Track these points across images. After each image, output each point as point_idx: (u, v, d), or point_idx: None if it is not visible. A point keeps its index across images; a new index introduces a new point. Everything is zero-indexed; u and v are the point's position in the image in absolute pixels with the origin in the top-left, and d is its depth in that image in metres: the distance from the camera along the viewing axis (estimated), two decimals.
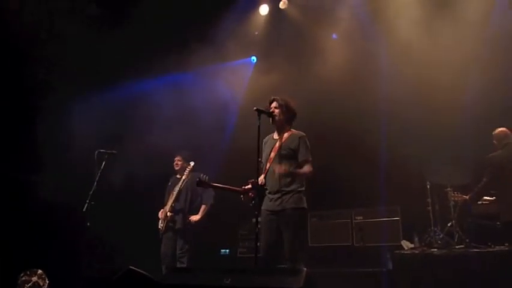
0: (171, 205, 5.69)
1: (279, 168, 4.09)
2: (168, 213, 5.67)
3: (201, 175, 4.40)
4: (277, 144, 4.26)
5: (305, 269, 3.05)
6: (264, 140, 4.40)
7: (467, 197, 5.67)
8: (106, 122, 6.64)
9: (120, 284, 3.34)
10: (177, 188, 5.76)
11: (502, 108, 5.64)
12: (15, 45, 5.64)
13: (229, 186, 4.33)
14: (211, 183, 4.37)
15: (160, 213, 5.77)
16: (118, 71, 6.89)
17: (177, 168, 5.96)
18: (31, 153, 6.06)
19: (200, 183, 4.32)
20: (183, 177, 5.73)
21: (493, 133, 5.20)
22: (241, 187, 4.25)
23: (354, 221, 6.79)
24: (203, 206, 5.81)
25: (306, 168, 4.17)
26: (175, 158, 6.00)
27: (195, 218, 5.73)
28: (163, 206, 5.82)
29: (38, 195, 6.21)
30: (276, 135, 4.35)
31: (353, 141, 6.80)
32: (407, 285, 5.30)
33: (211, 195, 5.83)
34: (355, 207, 6.84)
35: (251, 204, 4.19)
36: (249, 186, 4.19)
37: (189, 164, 5.74)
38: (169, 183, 5.98)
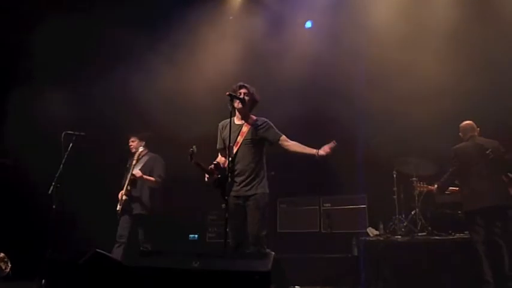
0: (127, 188, 5.52)
1: (328, 152, 4.08)
2: (124, 197, 5.52)
3: (193, 146, 4.16)
4: (244, 129, 4.29)
5: (273, 253, 3.09)
6: (222, 124, 4.39)
7: (433, 188, 5.84)
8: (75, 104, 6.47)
9: (87, 267, 3.30)
10: (136, 169, 5.60)
11: (468, 101, 5.80)
12: None
13: (202, 164, 4.24)
14: (196, 160, 4.22)
15: (119, 194, 5.61)
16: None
17: (132, 150, 5.79)
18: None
19: (191, 157, 4.15)
20: (133, 162, 5.59)
21: (460, 125, 5.35)
22: (207, 167, 4.25)
23: (322, 208, 6.90)
24: (152, 178, 5.63)
25: (293, 142, 4.24)
26: (129, 140, 5.84)
27: (139, 173, 5.53)
28: (121, 187, 5.64)
29: (2, 177, 6.05)
30: (238, 120, 4.35)
31: (323, 130, 6.87)
32: (371, 271, 5.46)
33: (162, 168, 5.70)
34: (324, 195, 6.94)
35: (215, 185, 4.20)
36: (212, 166, 4.22)
37: (142, 144, 5.69)
38: (127, 165, 5.76)
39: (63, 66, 6.59)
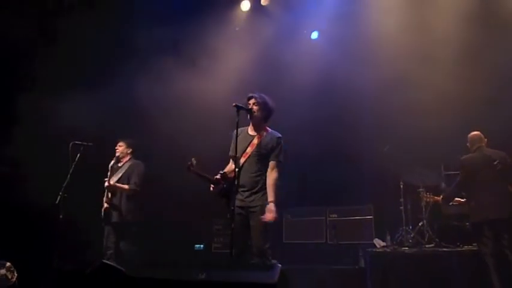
0: (108, 196, 5.50)
1: (269, 217, 4.03)
2: (105, 205, 5.50)
3: (192, 159, 4.20)
4: (255, 141, 4.26)
5: (279, 265, 3.06)
6: (238, 132, 4.30)
7: (439, 198, 5.81)
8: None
9: (93, 277, 3.29)
10: (114, 178, 5.59)
11: (477, 112, 5.79)
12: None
13: (205, 174, 4.26)
14: (195, 170, 4.24)
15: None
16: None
17: (117, 154, 5.75)
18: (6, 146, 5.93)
19: (189, 169, 4.18)
20: (109, 173, 5.56)
21: (468, 136, 5.33)
22: (213, 177, 4.24)
23: (328, 218, 6.86)
24: (125, 186, 5.59)
25: (274, 176, 4.16)
26: (118, 144, 5.80)
27: (107, 184, 5.49)
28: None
29: (9, 188, 6.07)
30: (251, 131, 4.34)
31: (329, 141, 6.88)
32: (378, 283, 5.41)
33: (138, 175, 5.65)
34: (330, 205, 6.91)
35: (220, 195, 4.20)
36: (218, 176, 4.20)
37: (128, 151, 5.71)
38: (109, 172, 5.69)
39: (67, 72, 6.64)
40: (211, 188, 4.27)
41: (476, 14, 6.16)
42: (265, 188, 4.16)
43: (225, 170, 4.34)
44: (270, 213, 4.03)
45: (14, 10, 5.72)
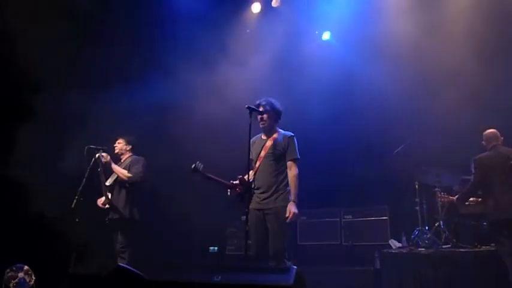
0: (108, 197, 5.35)
1: (290, 216, 4.12)
2: (106, 206, 5.36)
3: (197, 162, 4.25)
4: (268, 143, 4.39)
5: (295, 267, 3.06)
6: (252, 140, 4.45)
7: (454, 198, 5.73)
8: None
9: (109, 281, 3.31)
10: (111, 179, 5.45)
11: (493, 109, 5.71)
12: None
13: (220, 179, 4.33)
14: (205, 174, 4.29)
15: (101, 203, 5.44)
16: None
17: (115, 151, 5.59)
18: (20, 151, 6.01)
19: (195, 170, 4.22)
20: (100, 168, 5.30)
21: (483, 134, 5.25)
22: (229, 182, 4.32)
23: (342, 219, 6.82)
24: (123, 170, 5.41)
25: (292, 174, 4.27)
26: (116, 141, 5.64)
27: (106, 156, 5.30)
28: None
29: (25, 192, 6.15)
30: (264, 136, 4.50)
31: (343, 141, 6.85)
32: (394, 284, 5.36)
33: (141, 165, 5.47)
34: (344, 206, 6.87)
35: (238, 199, 4.26)
36: (237, 182, 4.28)
37: (128, 147, 5.56)
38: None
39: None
40: (228, 193, 4.33)
41: (493, 15, 6.08)
42: (283, 189, 4.25)
43: (241, 176, 4.37)
44: (289, 213, 4.11)
45: None
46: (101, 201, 5.45)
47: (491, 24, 5.99)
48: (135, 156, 5.66)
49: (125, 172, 5.42)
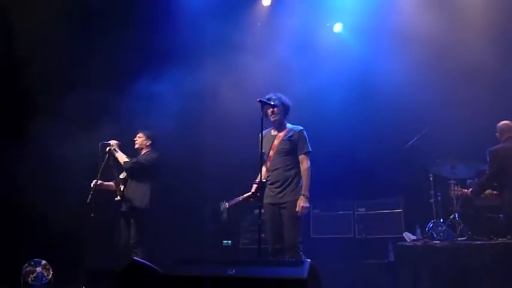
0: (120, 189, 5.37)
1: (302, 209, 4.17)
2: (117, 198, 5.37)
3: (221, 204, 4.37)
4: (278, 139, 4.42)
5: (309, 260, 3.06)
6: (263, 134, 4.44)
7: (467, 191, 5.66)
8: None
9: (125, 275, 3.36)
10: (124, 173, 5.46)
11: (506, 101, 5.63)
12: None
13: (241, 198, 4.40)
14: (230, 205, 4.41)
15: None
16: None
17: (136, 146, 5.62)
18: (34, 146, 6.09)
19: (223, 212, 4.36)
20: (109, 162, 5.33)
21: (497, 125, 5.18)
22: (249, 193, 4.35)
23: (356, 212, 6.79)
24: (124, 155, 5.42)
25: (304, 168, 4.30)
26: (137, 135, 5.65)
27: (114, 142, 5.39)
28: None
29: (42, 188, 6.23)
30: (274, 131, 4.51)
31: (356, 133, 6.81)
32: (409, 277, 5.32)
33: (147, 156, 5.50)
34: (358, 199, 6.84)
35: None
36: (253, 190, 4.33)
37: (148, 142, 5.57)
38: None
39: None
40: (251, 200, 4.38)
41: None
42: (294, 183, 4.29)
43: (256, 181, 4.38)
44: (298, 207, 4.16)
45: None
46: (97, 183, 5.28)
47: None
48: (151, 151, 5.65)
49: (124, 157, 5.42)
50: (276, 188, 4.30)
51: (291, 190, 4.26)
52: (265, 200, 4.30)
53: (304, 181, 4.26)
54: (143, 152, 5.65)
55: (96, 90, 6.18)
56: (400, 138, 6.31)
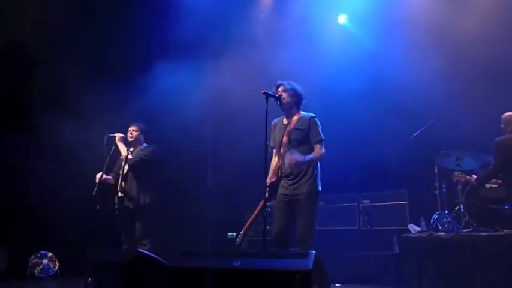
0: (121, 185, 5.31)
1: (290, 160, 4.01)
2: (119, 194, 5.34)
3: (237, 238, 4.24)
4: (288, 128, 4.24)
5: (314, 251, 3.06)
6: (274, 122, 4.34)
7: (471, 178, 5.62)
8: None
9: (130, 267, 3.37)
10: (126, 167, 5.39)
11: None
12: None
13: (257, 212, 4.22)
14: (245, 230, 4.29)
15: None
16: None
17: (130, 139, 5.49)
18: (40, 142, 6.12)
19: (240, 245, 4.24)
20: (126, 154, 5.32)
21: (502, 117, 5.15)
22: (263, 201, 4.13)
23: (360, 204, 6.79)
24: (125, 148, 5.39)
25: (317, 152, 4.13)
26: (130, 128, 5.53)
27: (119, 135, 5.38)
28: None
29: (48, 181, 6.28)
30: (285, 120, 4.33)
31: (360, 125, 6.78)
32: (414, 269, 5.32)
33: (146, 151, 5.46)
34: (362, 191, 6.83)
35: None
36: (266, 195, 4.13)
37: (141, 135, 5.50)
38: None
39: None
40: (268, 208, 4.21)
41: None
42: (308, 174, 4.11)
43: (270, 170, 4.28)
44: (290, 159, 3.99)
45: None
46: (99, 175, 5.26)
47: None
48: (145, 144, 5.60)
49: (124, 150, 5.38)
50: (290, 179, 4.13)
51: (306, 181, 4.09)
52: (279, 191, 4.16)
53: (313, 155, 4.07)
54: (138, 145, 5.55)
55: (97, 85, 6.19)
56: (405, 130, 6.28)
